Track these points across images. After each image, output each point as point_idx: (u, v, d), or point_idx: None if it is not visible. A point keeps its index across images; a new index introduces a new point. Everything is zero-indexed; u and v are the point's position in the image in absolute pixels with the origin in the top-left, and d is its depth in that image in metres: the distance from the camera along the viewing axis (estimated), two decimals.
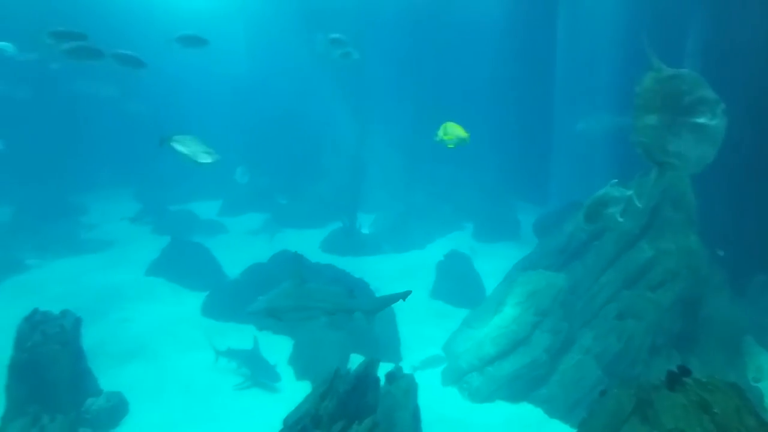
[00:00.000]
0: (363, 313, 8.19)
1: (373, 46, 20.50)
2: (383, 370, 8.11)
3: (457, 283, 14.59)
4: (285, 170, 22.65)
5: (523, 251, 13.34)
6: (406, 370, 9.80)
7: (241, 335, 11.85)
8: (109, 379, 10.20)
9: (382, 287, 13.44)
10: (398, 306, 8.60)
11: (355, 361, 9.58)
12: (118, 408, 9.74)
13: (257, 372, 10.69)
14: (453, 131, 10.13)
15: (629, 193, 7.66)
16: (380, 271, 15.57)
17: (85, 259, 16.82)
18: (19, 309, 12.25)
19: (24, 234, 17.73)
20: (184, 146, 8.51)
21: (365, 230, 18.86)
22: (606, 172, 12.79)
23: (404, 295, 7.99)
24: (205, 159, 8.52)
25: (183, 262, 15.32)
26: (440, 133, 10.19)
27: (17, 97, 21.86)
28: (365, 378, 7.71)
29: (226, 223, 20.57)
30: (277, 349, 11.62)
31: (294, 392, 10.00)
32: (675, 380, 5.66)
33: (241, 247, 18.39)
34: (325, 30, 16.80)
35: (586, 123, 20.20)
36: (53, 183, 21.60)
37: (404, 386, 8.29)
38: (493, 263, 15.28)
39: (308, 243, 17.71)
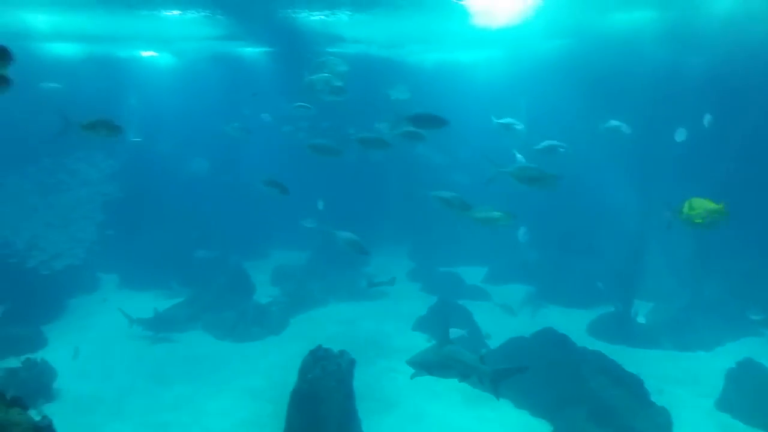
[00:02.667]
0: (490, 380, 9.19)
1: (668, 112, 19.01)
2: None
3: (752, 398, 12.34)
4: (553, 242, 21.95)
5: None
6: None
7: (496, 404, 11.53)
8: (370, 424, 10.67)
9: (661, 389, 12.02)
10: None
11: None
12: None
13: None
14: (700, 205, 8.79)
15: None
16: (656, 370, 13.93)
17: (362, 306, 18.33)
18: (305, 341, 13.80)
19: (315, 277, 20.00)
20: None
21: (641, 319, 17.16)
22: None
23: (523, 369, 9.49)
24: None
25: (447, 323, 15.63)
26: (685, 208, 8.93)
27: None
28: None
29: (490, 291, 20.64)
30: None
31: None
32: None
33: (502, 317, 18.24)
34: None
35: None
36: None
37: None
38: None
39: (574, 324, 16.76)
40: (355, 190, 24.27)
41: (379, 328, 16.66)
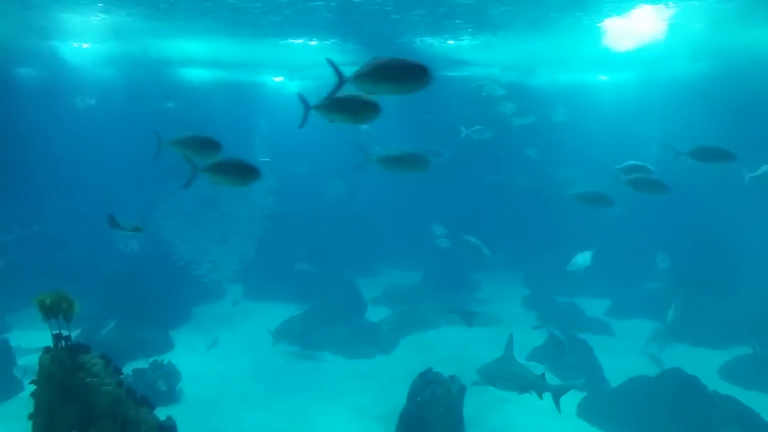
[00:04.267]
0: (552, 395, 10.01)
1: None
2: None
3: None
4: (687, 274, 20.38)
5: None
6: None
7: None
8: None
9: None
10: None
11: None
12: None
13: None
14: None
15: None
16: None
17: (474, 332, 17.91)
18: (414, 362, 13.74)
19: (427, 298, 19.91)
20: None
21: None
22: None
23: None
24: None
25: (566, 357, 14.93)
26: None
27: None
28: None
29: (612, 325, 19.49)
30: None
31: None
32: None
33: (625, 354, 17.13)
34: None
35: None
36: (454, 258, 23.68)
37: None
38: None
39: (704, 365, 15.39)
40: (468, 213, 24.00)
41: (490, 356, 16.13)
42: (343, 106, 7.39)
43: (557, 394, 10.06)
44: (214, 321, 19.55)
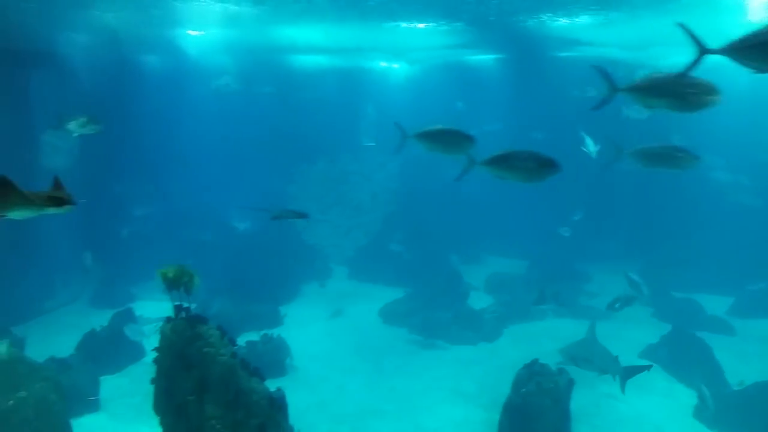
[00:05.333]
0: (620, 377, 10.32)
1: None
2: None
3: None
4: None
5: None
6: None
7: None
8: None
9: None
10: None
11: None
12: None
13: None
14: None
15: None
16: None
17: (583, 325, 17.18)
18: (518, 352, 13.46)
19: (532, 288, 19.35)
20: None
21: None
22: None
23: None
24: None
25: (682, 356, 14.04)
26: None
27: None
28: None
29: (735, 325, 18.04)
30: None
31: None
32: None
33: (751, 357, 15.81)
34: None
35: None
36: (565, 247, 22.86)
37: None
38: None
39: None
40: (583, 199, 23.06)
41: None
42: None
43: (626, 375, 10.42)
44: (321, 299, 20.16)
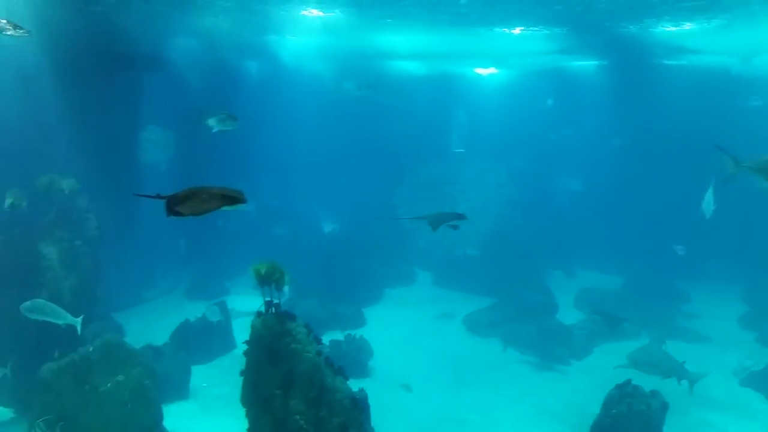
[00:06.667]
0: (688, 381, 10.89)
1: None
2: None
3: None
4: None
5: None
6: None
7: None
8: None
9: None
10: None
11: None
12: None
13: None
14: None
15: None
16: None
17: (679, 347, 16.25)
18: (609, 372, 12.86)
19: (628, 306, 18.46)
20: None
21: None
22: None
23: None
24: None
25: None
26: None
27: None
28: None
29: None
30: None
31: None
32: None
33: None
34: None
35: None
36: (662, 263, 21.67)
37: None
38: None
39: None
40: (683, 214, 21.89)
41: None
42: None
43: (693, 380, 10.90)
44: (405, 303, 20.15)
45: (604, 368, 14.77)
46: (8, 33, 8.98)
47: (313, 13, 16.93)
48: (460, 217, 9.02)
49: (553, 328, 16.66)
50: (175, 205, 4.80)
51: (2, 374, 10.17)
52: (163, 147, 20.82)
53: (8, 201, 11.26)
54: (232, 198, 4.93)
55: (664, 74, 23.02)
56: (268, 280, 7.77)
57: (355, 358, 13.90)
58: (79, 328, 9.85)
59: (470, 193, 23.95)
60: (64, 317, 9.75)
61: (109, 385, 9.74)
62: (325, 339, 13.09)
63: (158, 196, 4.82)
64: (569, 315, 18.46)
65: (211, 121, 11.56)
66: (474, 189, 24.20)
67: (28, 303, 9.71)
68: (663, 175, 22.38)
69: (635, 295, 19.79)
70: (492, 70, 29.47)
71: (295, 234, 22.54)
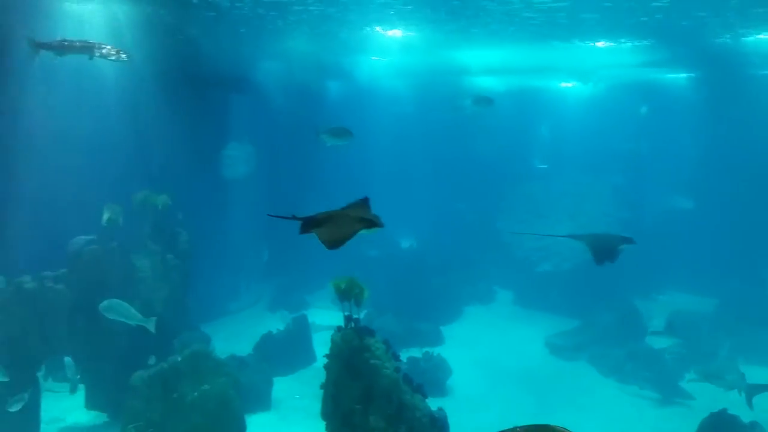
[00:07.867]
0: (745, 393, 11.12)
1: None
2: None
3: None
4: None
5: None
6: None
7: None
8: None
9: None
10: None
11: None
12: None
13: None
14: None
15: None
16: None
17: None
18: (700, 399, 12.16)
19: (723, 331, 17.36)
20: None
21: None
22: None
23: None
24: None
25: None
26: None
27: None
28: None
29: None
30: None
31: None
32: None
33: None
34: None
35: None
36: (760, 284, 20.31)
37: None
38: None
39: None
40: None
41: None
42: None
43: (752, 391, 11.12)
44: (484, 322, 19.83)
45: (695, 395, 13.97)
46: (112, 58, 9.59)
47: (393, 33, 17.20)
48: (628, 241, 7.75)
49: (641, 352, 15.88)
50: (311, 227, 4.82)
51: (2, 380, 9.92)
52: (247, 163, 21.52)
53: (105, 216, 11.86)
54: (370, 222, 4.92)
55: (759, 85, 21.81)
56: (348, 295, 7.85)
57: (433, 377, 13.75)
58: (152, 329, 10.18)
59: (573, 210, 23.10)
60: (135, 318, 10.16)
61: (195, 394, 10.06)
62: (403, 356, 13.07)
63: (294, 217, 4.85)
64: (657, 339, 17.53)
65: (326, 136, 11.84)
66: (578, 205, 23.34)
67: (105, 302, 10.14)
68: (757, 191, 21.09)
69: (731, 318, 18.54)
70: (575, 83, 28.80)
71: (384, 255, 22.51)
